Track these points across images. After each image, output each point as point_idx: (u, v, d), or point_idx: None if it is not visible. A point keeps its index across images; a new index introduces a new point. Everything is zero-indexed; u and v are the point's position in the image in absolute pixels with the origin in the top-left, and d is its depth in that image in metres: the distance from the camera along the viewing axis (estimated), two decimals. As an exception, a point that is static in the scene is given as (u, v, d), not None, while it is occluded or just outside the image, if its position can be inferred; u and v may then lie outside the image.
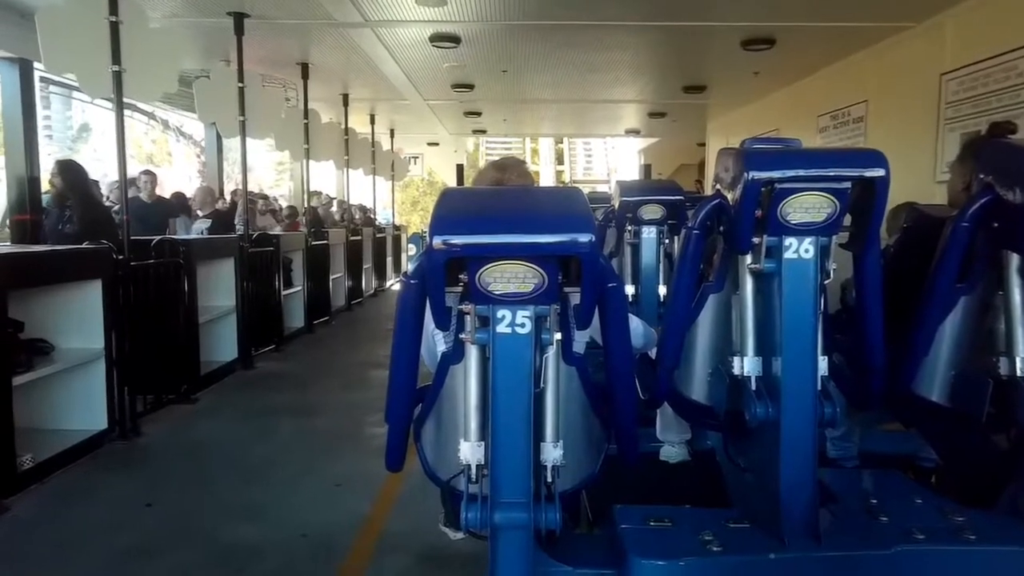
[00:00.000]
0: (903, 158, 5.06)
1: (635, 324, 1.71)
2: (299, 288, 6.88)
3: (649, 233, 2.71)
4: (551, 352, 1.19)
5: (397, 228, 13.04)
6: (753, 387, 1.38)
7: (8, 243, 5.24)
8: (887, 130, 5.74)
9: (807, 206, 1.30)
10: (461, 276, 1.15)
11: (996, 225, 1.45)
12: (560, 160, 25.09)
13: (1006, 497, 1.47)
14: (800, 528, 1.33)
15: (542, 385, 1.20)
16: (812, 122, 7.03)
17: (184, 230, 6.24)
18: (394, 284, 11.57)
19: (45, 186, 5.20)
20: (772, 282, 1.35)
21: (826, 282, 1.35)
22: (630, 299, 2.70)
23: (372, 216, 11.74)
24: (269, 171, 19.04)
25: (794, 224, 1.30)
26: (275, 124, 6.61)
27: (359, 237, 9.42)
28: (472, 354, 1.21)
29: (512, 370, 1.17)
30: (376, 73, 7.21)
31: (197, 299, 4.56)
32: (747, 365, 1.39)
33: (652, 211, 2.68)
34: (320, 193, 10.22)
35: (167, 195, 7.45)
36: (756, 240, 1.34)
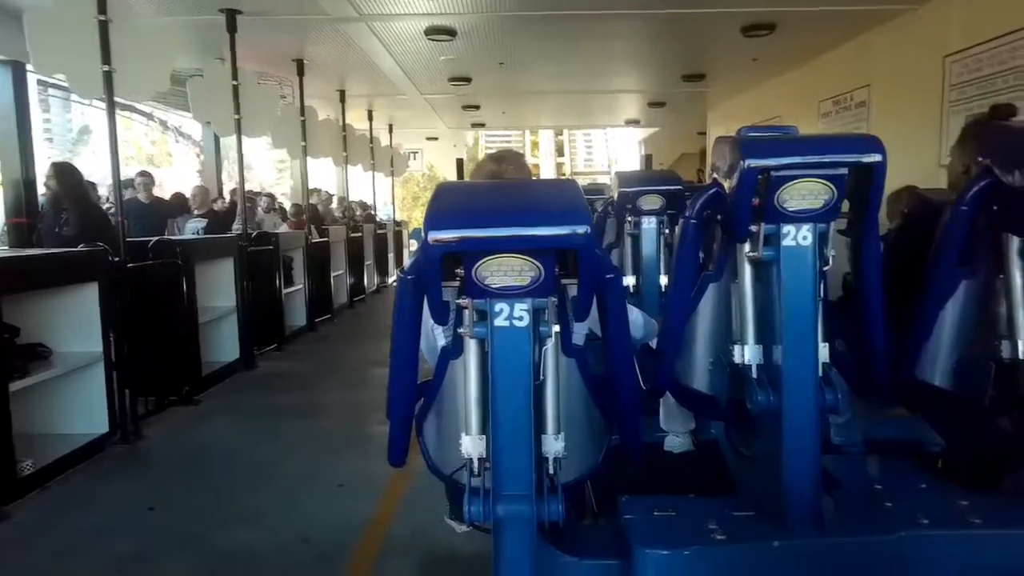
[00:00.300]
0: (907, 142, 5.04)
1: (635, 315, 1.72)
2: (300, 286, 6.90)
3: (649, 223, 2.72)
4: (550, 344, 1.20)
5: (398, 224, 13.04)
6: (754, 375, 1.39)
7: (5, 247, 5.29)
8: (890, 114, 5.71)
9: (804, 193, 1.30)
10: (458, 271, 1.16)
11: (996, 208, 1.46)
12: (560, 152, 25.04)
13: (1011, 480, 1.48)
14: (805, 515, 1.34)
15: (542, 377, 1.21)
16: (814, 108, 7.01)
17: (179, 230, 6.25)
18: (395, 280, 11.58)
19: (42, 189, 5.21)
20: (771, 270, 1.36)
21: (826, 269, 1.36)
22: (631, 290, 2.71)
23: (373, 212, 11.75)
24: (270, 169, 19.06)
25: (792, 211, 1.31)
26: (271, 122, 6.61)
27: (360, 234, 9.43)
28: (471, 348, 1.22)
29: (511, 363, 1.18)
30: (372, 68, 7.20)
31: (197, 299, 4.56)
32: (748, 353, 1.40)
33: (651, 201, 2.68)
34: (320, 190, 10.23)
35: (168, 196, 7.48)
36: (754, 228, 1.35)
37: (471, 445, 1.22)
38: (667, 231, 2.72)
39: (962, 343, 1.56)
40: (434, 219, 1.12)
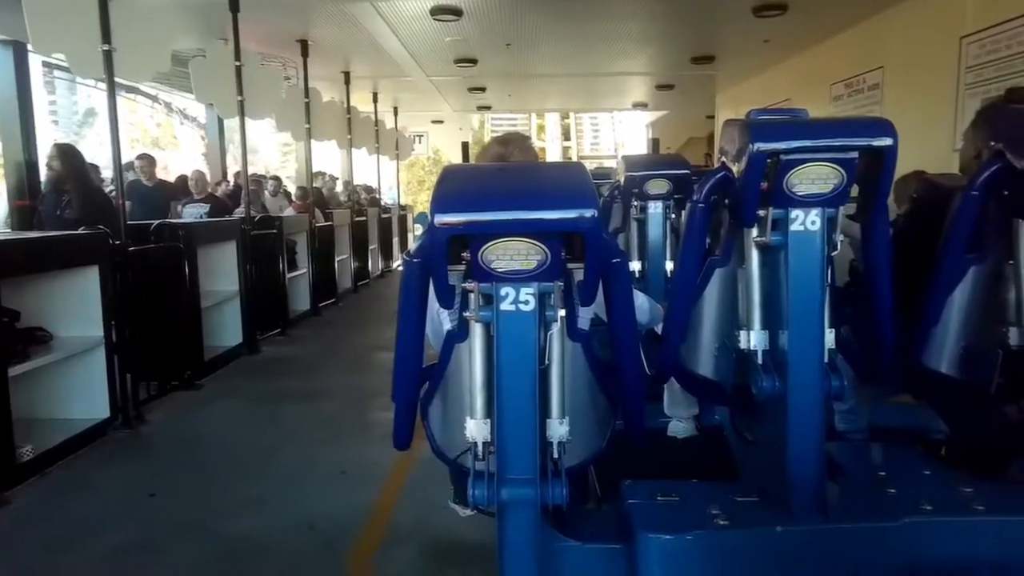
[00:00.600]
0: (921, 126, 4.98)
1: (640, 300, 1.73)
2: (304, 271, 6.92)
3: (655, 208, 2.71)
4: (555, 329, 1.21)
5: (403, 208, 13.03)
6: (760, 361, 1.40)
7: (8, 230, 5.31)
8: (904, 97, 5.65)
9: (813, 177, 1.30)
10: (464, 254, 1.17)
11: (1007, 193, 1.45)
12: (567, 136, 24.89)
13: (1016, 468, 1.49)
14: (808, 501, 1.35)
15: (547, 362, 1.22)
16: (825, 91, 6.94)
17: (179, 214, 6.25)
18: (401, 264, 11.59)
19: (44, 171, 5.22)
20: (778, 255, 1.36)
21: (833, 254, 1.36)
22: (637, 275, 2.71)
23: (377, 196, 11.74)
24: (275, 153, 19.03)
25: (800, 196, 1.31)
26: (275, 104, 6.59)
27: (364, 218, 9.44)
28: (477, 332, 1.23)
29: (516, 347, 1.19)
30: (377, 49, 7.16)
31: (199, 284, 4.57)
32: (754, 339, 1.41)
33: (658, 186, 2.68)
34: (324, 174, 10.23)
35: (173, 179, 7.48)
36: (762, 213, 1.34)
37: (476, 429, 1.23)
38: (673, 216, 2.72)
39: (969, 330, 1.56)
40: (440, 202, 1.12)
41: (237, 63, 5.52)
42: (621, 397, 1.40)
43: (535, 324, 1.19)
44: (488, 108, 13.01)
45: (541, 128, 24.47)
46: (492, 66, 8.33)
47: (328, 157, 11.80)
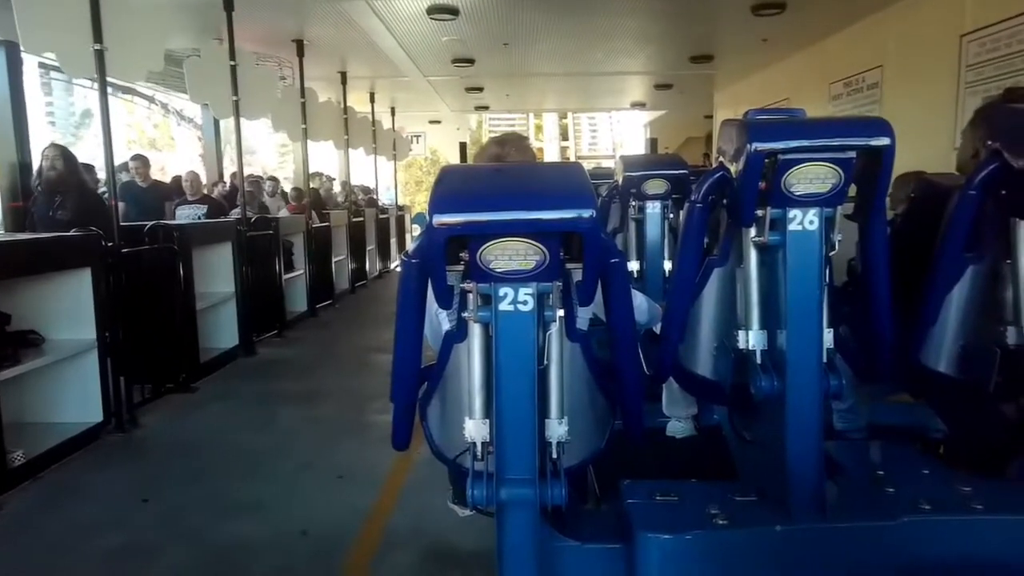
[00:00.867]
0: (921, 125, 4.99)
1: (639, 300, 1.74)
2: (301, 272, 6.92)
3: (653, 208, 2.73)
4: (554, 329, 1.22)
5: (401, 209, 13.04)
6: (758, 361, 1.41)
7: (2, 231, 5.30)
8: (904, 96, 5.66)
9: (811, 177, 1.31)
10: (462, 254, 1.18)
11: (1004, 193, 1.46)
12: (565, 136, 24.92)
13: (1015, 467, 1.50)
14: (807, 500, 1.36)
15: (546, 362, 1.23)
16: (824, 90, 6.96)
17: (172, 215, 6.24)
18: (398, 265, 11.59)
19: (39, 172, 5.21)
20: (777, 254, 1.37)
21: (831, 254, 1.37)
22: (635, 275, 2.72)
23: (375, 197, 11.75)
24: (273, 153, 19.04)
25: (798, 195, 1.32)
26: (271, 104, 6.59)
27: (362, 218, 9.44)
28: (475, 332, 1.24)
29: (515, 348, 1.20)
30: (374, 49, 7.17)
31: (194, 285, 4.56)
32: (752, 339, 1.42)
33: (656, 186, 2.69)
34: (321, 174, 10.23)
35: (170, 180, 7.47)
36: (760, 212, 1.35)
37: (475, 429, 1.24)
38: (671, 215, 2.73)
39: (967, 329, 1.57)
40: (439, 202, 1.13)
41: (232, 63, 5.53)
42: (620, 397, 1.41)
43: (534, 324, 1.20)
44: (486, 108, 13.03)
45: (539, 128, 24.50)
46: (490, 66, 8.35)
47: (326, 158, 11.80)
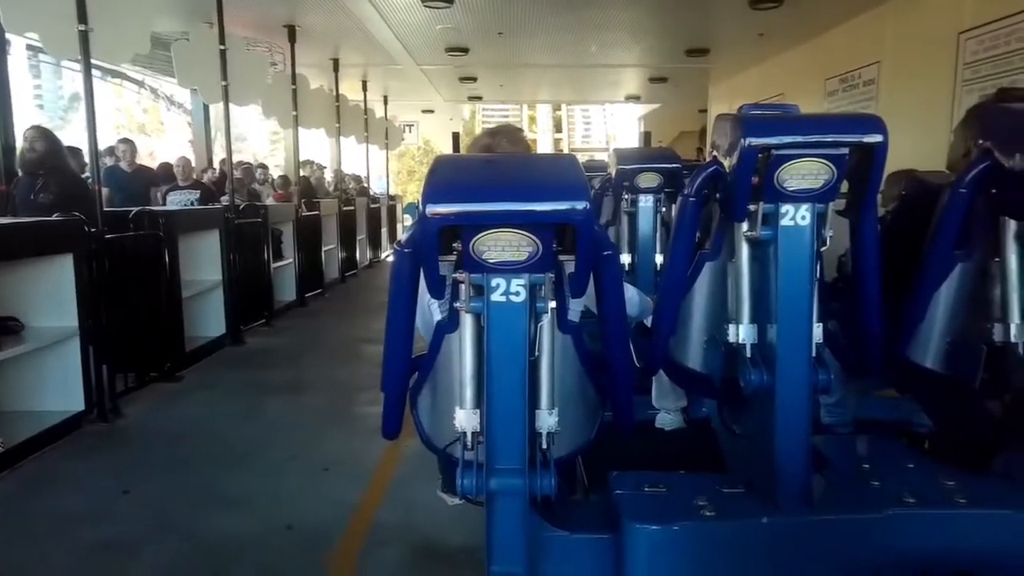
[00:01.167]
0: (917, 122, 5.02)
1: (630, 293, 1.76)
2: (290, 260, 6.90)
3: (646, 201, 2.74)
4: (546, 320, 1.23)
5: (392, 198, 13.01)
6: (748, 354, 1.43)
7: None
8: (900, 93, 5.69)
9: (804, 172, 1.32)
10: (455, 245, 1.19)
11: (994, 191, 1.49)
12: (558, 128, 24.92)
13: (999, 462, 1.53)
14: (794, 493, 1.39)
15: (537, 353, 1.24)
16: (820, 86, 7.00)
17: (160, 202, 6.20)
18: (389, 255, 11.56)
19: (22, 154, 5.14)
20: (768, 249, 1.38)
21: (822, 250, 1.39)
22: (627, 268, 2.74)
23: (366, 186, 11.71)
24: (265, 141, 18.93)
25: (791, 191, 1.33)
26: (261, 90, 6.55)
27: (352, 207, 9.41)
28: (467, 323, 1.24)
29: (507, 338, 1.21)
30: (367, 36, 7.13)
31: (180, 273, 4.53)
32: (742, 332, 1.43)
33: (649, 179, 2.71)
34: (312, 162, 10.19)
35: (157, 166, 7.41)
36: (752, 207, 1.37)
37: (465, 419, 1.25)
38: (664, 209, 2.75)
39: (955, 326, 1.60)
40: (432, 192, 1.14)
41: (222, 47, 5.48)
42: (610, 389, 1.42)
43: (526, 315, 1.21)
44: (479, 98, 13.01)
45: (533, 120, 24.47)
46: (484, 55, 8.33)
47: (317, 146, 11.75)
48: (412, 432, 1.48)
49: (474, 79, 10.13)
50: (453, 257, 1.21)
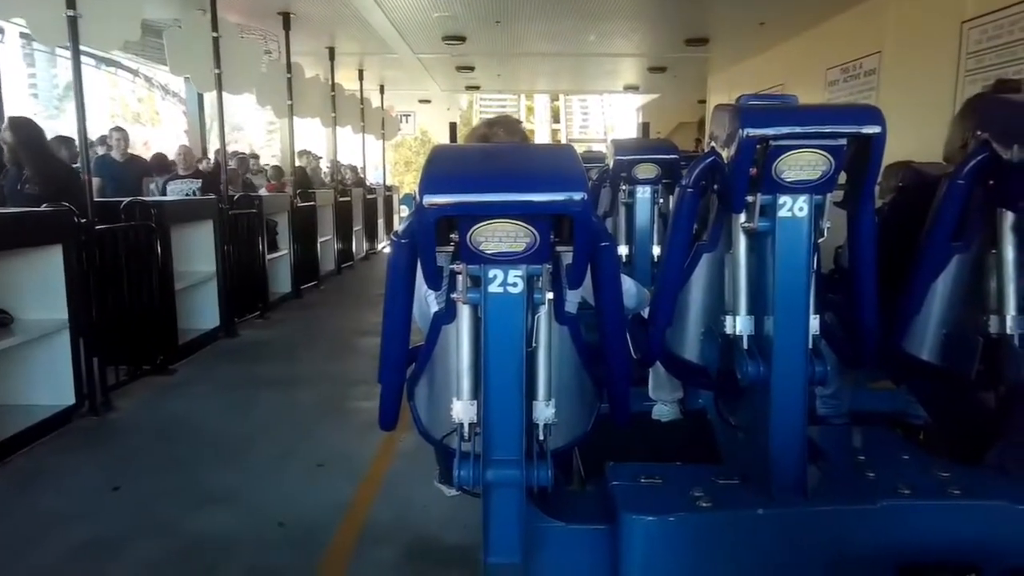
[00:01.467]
0: (918, 113, 4.99)
1: (628, 284, 1.77)
2: (285, 252, 6.89)
3: (643, 193, 2.75)
4: (543, 311, 1.24)
5: (389, 189, 12.98)
6: (745, 346, 1.44)
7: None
8: (901, 83, 5.66)
9: (802, 164, 1.33)
10: (452, 235, 1.20)
11: (992, 183, 1.50)
12: (556, 118, 24.87)
13: (993, 454, 1.55)
14: (789, 484, 1.41)
15: (534, 344, 1.25)
16: (820, 76, 6.99)
17: (158, 191, 6.18)
18: (386, 247, 11.55)
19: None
20: (766, 241, 1.40)
21: (819, 241, 1.40)
22: (624, 259, 2.75)
23: (362, 177, 11.69)
24: (261, 131, 18.86)
25: (789, 182, 1.34)
26: (255, 78, 6.51)
27: (348, 198, 9.40)
28: (464, 314, 1.25)
29: (504, 330, 1.22)
30: (363, 24, 7.10)
31: (172, 264, 4.52)
32: (739, 324, 1.45)
33: (646, 170, 2.71)
34: (309, 152, 10.17)
35: (151, 157, 7.37)
36: (750, 198, 1.38)
37: (462, 410, 1.26)
38: (661, 200, 2.76)
39: (951, 318, 1.62)
40: (430, 182, 1.14)
41: (215, 34, 5.44)
42: (607, 380, 1.44)
43: (523, 306, 1.21)
44: (477, 88, 12.97)
45: (530, 110, 24.42)
46: (481, 44, 8.30)
47: (313, 136, 11.71)
48: (406, 427, 1.49)
49: (471, 68, 10.10)
50: (450, 248, 1.22)
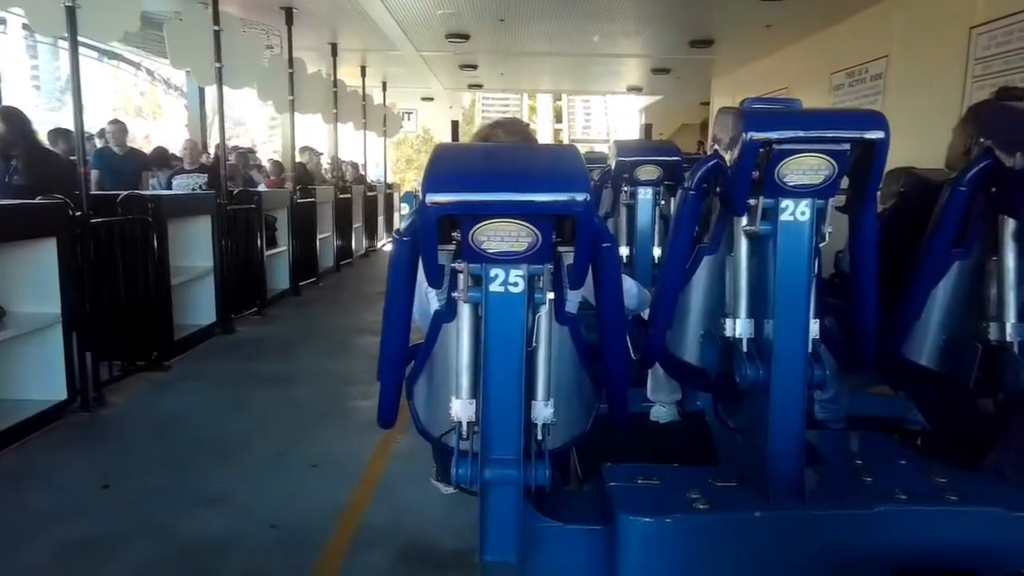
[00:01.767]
0: (925, 118, 4.96)
1: (628, 285, 1.78)
2: (284, 248, 6.90)
3: (645, 194, 2.77)
4: (544, 311, 1.26)
5: (389, 186, 12.99)
6: (744, 349, 1.46)
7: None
8: (908, 88, 5.62)
9: (805, 168, 1.35)
10: (454, 234, 1.21)
11: (994, 190, 1.52)
12: (559, 118, 24.90)
13: (990, 460, 1.57)
14: (786, 487, 1.42)
15: (534, 344, 1.27)
16: (825, 80, 6.99)
17: (160, 186, 6.18)
18: (386, 244, 11.55)
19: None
20: (767, 244, 1.41)
21: (821, 245, 1.41)
22: (625, 260, 2.77)
23: (363, 174, 11.70)
24: (263, 126, 18.87)
25: (791, 186, 1.36)
26: (256, 73, 6.52)
27: (349, 195, 9.40)
28: (465, 312, 1.27)
29: (504, 329, 1.24)
30: (366, 20, 7.11)
31: (169, 259, 4.49)
32: (739, 327, 1.46)
33: (648, 172, 2.73)
34: (310, 148, 10.18)
35: (151, 151, 7.39)
36: (752, 202, 1.39)
37: (461, 409, 1.28)
38: (663, 202, 2.78)
39: (951, 324, 1.63)
40: (432, 180, 1.15)
41: (216, 28, 5.45)
42: (606, 381, 1.45)
43: (524, 306, 1.23)
44: (479, 87, 12.97)
45: (533, 110, 24.44)
46: (484, 42, 8.31)
47: (315, 132, 11.72)
48: (403, 428, 1.47)
49: (474, 67, 10.10)
50: (452, 246, 1.23)
